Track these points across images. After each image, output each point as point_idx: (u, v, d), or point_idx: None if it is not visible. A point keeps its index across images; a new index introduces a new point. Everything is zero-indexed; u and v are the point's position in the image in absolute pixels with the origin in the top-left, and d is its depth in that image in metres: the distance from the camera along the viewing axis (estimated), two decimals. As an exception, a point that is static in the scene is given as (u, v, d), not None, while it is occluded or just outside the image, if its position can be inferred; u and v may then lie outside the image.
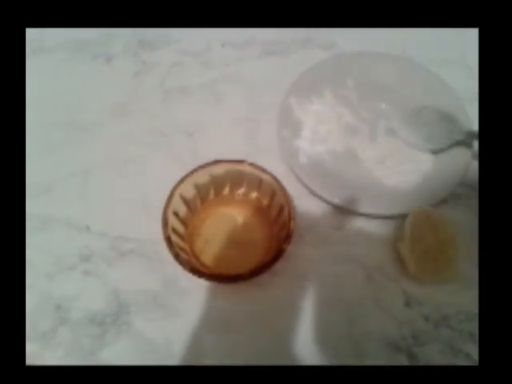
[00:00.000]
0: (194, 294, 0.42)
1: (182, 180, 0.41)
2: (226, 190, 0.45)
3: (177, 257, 0.38)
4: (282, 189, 0.41)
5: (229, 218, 0.45)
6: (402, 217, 0.44)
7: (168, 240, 0.38)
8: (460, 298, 0.42)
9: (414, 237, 0.42)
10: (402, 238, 0.43)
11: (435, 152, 0.48)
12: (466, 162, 0.47)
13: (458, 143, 0.48)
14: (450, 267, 0.41)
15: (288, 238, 0.39)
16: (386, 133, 0.49)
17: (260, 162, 0.42)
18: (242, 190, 0.45)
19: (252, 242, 0.44)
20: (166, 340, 0.40)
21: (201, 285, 0.42)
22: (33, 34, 0.56)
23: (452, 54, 0.56)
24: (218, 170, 0.42)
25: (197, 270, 0.38)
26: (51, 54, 0.56)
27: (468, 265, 0.41)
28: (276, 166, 0.44)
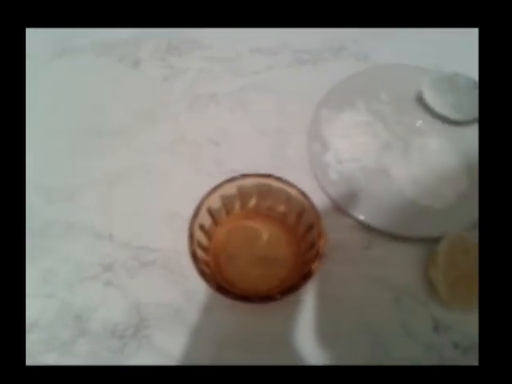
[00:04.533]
0: (217, 310, 0.41)
1: (210, 193, 0.40)
2: (252, 203, 0.44)
3: (202, 274, 0.37)
4: (312, 207, 0.39)
5: (254, 232, 0.44)
6: (434, 239, 0.42)
7: (194, 255, 0.37)
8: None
9: (447, 262, 0.40)
10: (434, 262, 0.41)
11: (459, 124, 0.47)
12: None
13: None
14: None
15: (317, 258, 0.37)
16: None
17: (287, 176, 0.40)
18: (268, 204, 0.44)
19: (276, 258, 0.43)
20: (186, 357, 0.39)
21: (223, 300, 0.41)
22: (59, 35, 0.56)
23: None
24: (246, 182, 0.41)
25: (222, 289, 0.37)
26: (78, 55, 0.55)
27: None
28: (304, 180, 0.42)
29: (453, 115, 0.47)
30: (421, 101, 0.49)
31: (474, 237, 0.42)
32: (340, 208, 0.45)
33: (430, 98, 0.48)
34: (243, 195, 0.43)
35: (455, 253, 0.40)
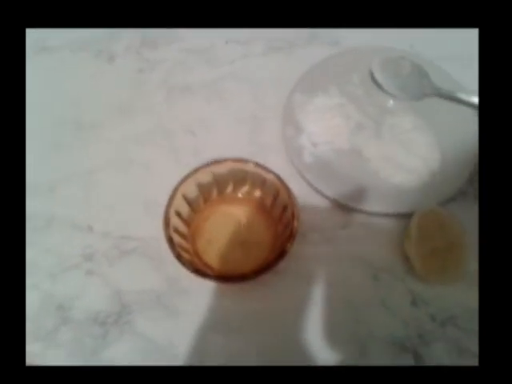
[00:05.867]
0: (197, 294, 0.42)
1: (184, 179, 0.40)
2: (229, 189, 0.45)
3: (179, 257, 0.37)
4: (286, 188, 0.40)
5: (232, 218, 0.45)
6: (409, 215, 0.43)
7: (170, 240, 0.38)
8: (467, 297, 0.41)
9: (421, 236, 0.41)
10: (408, 237, 0.42)
11: (406, 100, 0.50)
12: (474, 159, 0.46)
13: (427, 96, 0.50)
14: (457, 267, 0.40)
15: (291, 237, 0.38)
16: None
17: (264, 161, 0.41)
18: (245, 189, 0.45)
19: (256, 241, 0.43)
20: (168, 340, 0.40)
21: (204, 284, 0.42)
22: (35, 34, 0.56)
23: (461, 51, 0.55)
24: (221, 169, 0.42)
25: (199, 271, 0.37)
26: (54, 53, 0.56)
27: (476, 264, 0.40)
28: (281, 165, 0.44)
29: (398, 94, 0.50)
30: (373, 78, 0.51)
31: (446, 211, 0.42)
32: (316, 190, 0.46)
33: (380, 77, 0.51)
34: (219, 182, 0.44)
35: (428, 226, 0.41)
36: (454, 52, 0.54)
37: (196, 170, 0.41)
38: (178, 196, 0.40)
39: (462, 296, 0.41)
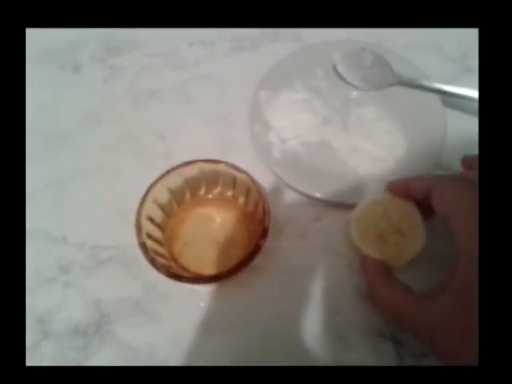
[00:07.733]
0: (176, 298, 0.42)
1: (155, 183, 0.40)
2: (202, 191, 0.45)
3: (152, 262, 0.37)
4: (256, 184, 0.41)
5: (207, 219, 0.45)
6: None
7: (143, 246, 0.38)
8: (438, 277, 0.41)
9: (363, 226, 0.41)
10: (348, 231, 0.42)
11: (369, 90, 0.52)
12: (440, 142, 0.47)
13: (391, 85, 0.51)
14: (413, 248, 0.40)
15: (264, 233, 0.38)
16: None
17: (235, 160, 0.42)
18: (217, 190, 0.45)
19: (231, 240, 0.44)
20: (149, 346, 0.40)
21: (182, 288, 0.42)
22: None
23: (422, 38, 0.56)
24: (191, 171, 0.42)
25: (173, 274, 0.37)
26: (19, 66, 0.55)
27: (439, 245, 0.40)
28: (251, 163, 0.44)
29: (361, 85, 0.51)
30: (336, 71, 0.52)
31: (387, 197, 0.42)
32: (288, 185, 0.46)
33: (342, 70, 0.52)
34: (191, 185, 0.44)
35: (369, 215, 0.41)
36: (414, 39, 0.55)
37: (166, 173, 0.41)
38: (149, 201, 0.40)
39: (432, 276, 0.41)
